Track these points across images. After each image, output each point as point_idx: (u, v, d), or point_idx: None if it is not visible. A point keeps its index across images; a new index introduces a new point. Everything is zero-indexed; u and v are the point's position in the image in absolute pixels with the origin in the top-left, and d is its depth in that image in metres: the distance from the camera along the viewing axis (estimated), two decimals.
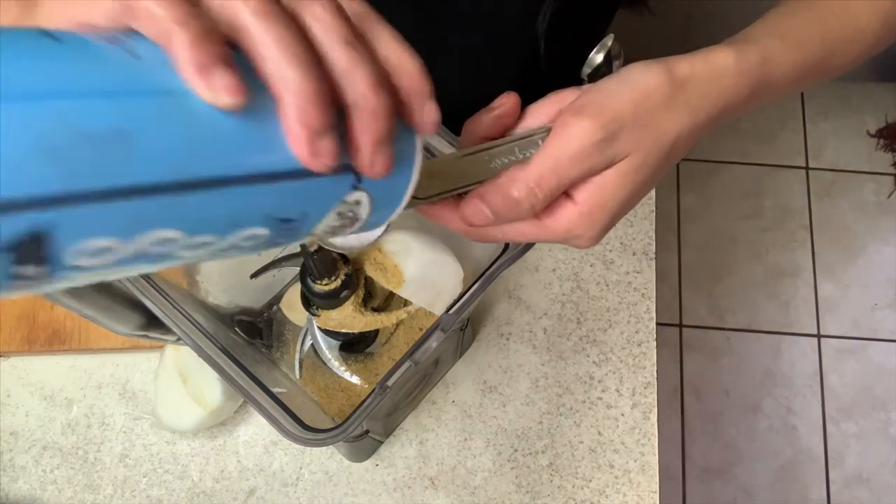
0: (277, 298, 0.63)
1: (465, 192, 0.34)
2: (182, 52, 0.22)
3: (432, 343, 0.42)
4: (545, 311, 0.69)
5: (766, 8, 0.40)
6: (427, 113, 0.27)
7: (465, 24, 0.66)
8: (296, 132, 0.23)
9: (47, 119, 0.19)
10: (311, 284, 0.49)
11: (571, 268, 0.70)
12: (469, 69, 0.70)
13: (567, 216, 0.34)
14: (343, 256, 0.50)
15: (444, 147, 0.45)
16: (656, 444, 0.65)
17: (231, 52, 0.22)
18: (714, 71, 0.34)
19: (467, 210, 0.34)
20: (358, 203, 0.27)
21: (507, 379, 0.67)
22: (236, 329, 0.60)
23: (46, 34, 0.21)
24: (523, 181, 0.32)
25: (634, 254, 0.71)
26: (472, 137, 0.35)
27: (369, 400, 0.41)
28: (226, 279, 0.57)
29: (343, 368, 0.53)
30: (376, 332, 0.60)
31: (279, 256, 0.54)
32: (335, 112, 0.24)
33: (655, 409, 0.66)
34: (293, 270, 0.51)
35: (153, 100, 0.21)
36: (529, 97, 0.36)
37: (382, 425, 0.63)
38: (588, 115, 0.32)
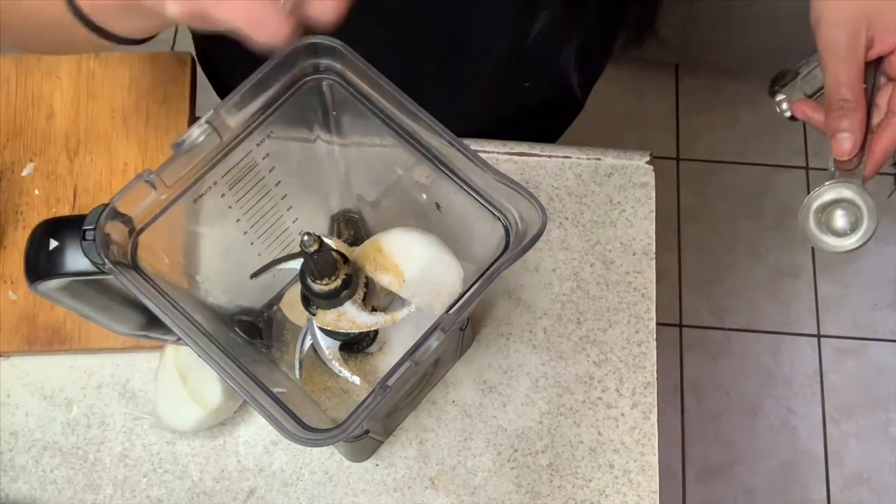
0: (277, 298, 0.63)
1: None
2: None
3: (432, 343, 0.42)
4: (545, 311, 0.69)
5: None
6: None
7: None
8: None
9: None
10: (311, 284, 0.48)
11: (571, 268, 0.70)
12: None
13: None
14: (343, 256, 0.50)
15: (444, 147, 0.45)
16: (656, 444, 0.65)
17: None
18: None
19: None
20: None
21: (507, 379, 0.67)
22: (236, 329, 0.60)
23: None
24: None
25: (634, 254, 0.71)
26: None
27: (369, 400, 0.41)
28: (226, 279, 0.57)
29: (343, 368, 0.53)
30: (376, 332, 0.60)
31: (279, 256, 0.54)
32: None
33: (655, 409, 0.66)
34: (293, 270, 0.51)
35: None
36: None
37: (382, 425, 0.63)
38: None
